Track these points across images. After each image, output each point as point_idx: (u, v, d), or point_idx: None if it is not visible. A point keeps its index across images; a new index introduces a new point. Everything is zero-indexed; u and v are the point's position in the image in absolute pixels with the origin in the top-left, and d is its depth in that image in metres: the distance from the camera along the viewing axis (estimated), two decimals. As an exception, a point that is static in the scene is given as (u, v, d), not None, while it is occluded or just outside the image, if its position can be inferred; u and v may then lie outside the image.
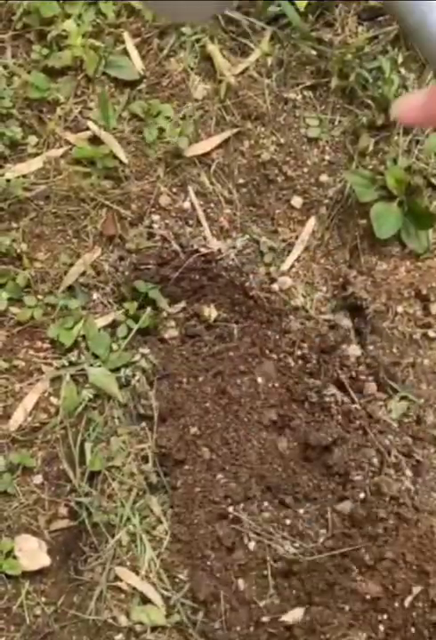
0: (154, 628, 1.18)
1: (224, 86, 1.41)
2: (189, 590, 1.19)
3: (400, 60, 1.39)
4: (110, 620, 1.18)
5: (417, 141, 1.38)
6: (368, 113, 1.39)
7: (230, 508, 1.22)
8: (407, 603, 1.16)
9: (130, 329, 1.31)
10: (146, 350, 1.31)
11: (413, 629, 1.14)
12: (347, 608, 1.16)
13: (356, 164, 1.39)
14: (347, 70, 1.40)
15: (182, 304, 1.34)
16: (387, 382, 1.29)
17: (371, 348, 1.32)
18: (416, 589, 1.16)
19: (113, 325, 1.32)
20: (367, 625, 1.15)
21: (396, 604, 1.16)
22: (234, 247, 1.38)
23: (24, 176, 1.37)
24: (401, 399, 1.29)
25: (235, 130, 1.40)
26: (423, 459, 1.25)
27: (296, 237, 1.39)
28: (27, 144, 1.40)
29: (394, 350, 1.32)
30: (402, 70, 1.38)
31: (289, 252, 1.39)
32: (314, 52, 1.42)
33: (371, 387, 1.30)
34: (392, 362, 1.31)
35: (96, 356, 1.29)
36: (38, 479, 1.26)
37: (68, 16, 1.43)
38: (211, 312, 1.33)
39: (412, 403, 1.28)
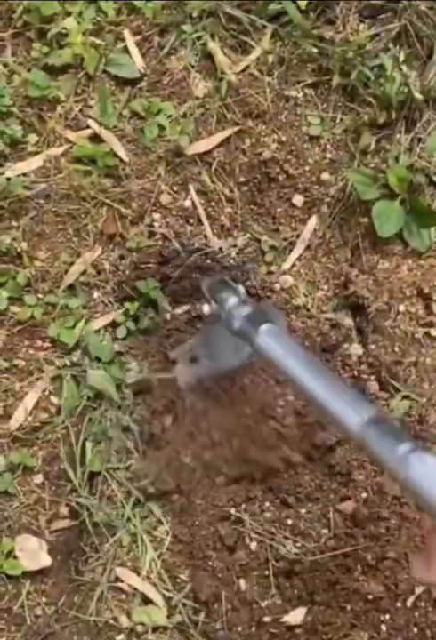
0: (155, 629, 1.18)
1: (225, 84, 1.40)
2: (190, 591, 1.19)
3: (402, 57, 1.38)
4: (111, 621, 1.18)
5: (419, 139, 1.37)
6: (370, 111, 1.39)
7: (232, 509, 1.22)
8: (409, 602, 1.16)
9: (130, 330, 1.31)
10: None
11: (415, 629, 1.14)
12: (349, 608, 1.16)
13: (358, 163, 1.38)
14: (348, 68, 1.40)
15: (185, 307, 1.34)
16: (389, 381, 1.29)
17: (373, 346, 1.31)
18: (419, 589, 1.16)
19: (113, 325, 1.32)
20: (370, 625, 1.15)
21: (398, 604, 1.15)
22: (235, 246, 1.38)
23: (24, 174, 1.37)
24: (403, 398, 1.28)
25: (236, 128, 1.40)
26: (426, 458, 1.25)
27: (298, 236, 1.38)
28: (27, 142, 1.39)
29: (396, 349, 1.31)
30: (404, 68, 1.37)
31: (290, 250, 1.38)
32: (315, 50, 1.41)
33: (373, 386, 1.29)
34: (394, 361, 1.30)
35: (96, 357, 1.29)
36: (39, 479, 1.25)
37: (68, 14, 1.43)
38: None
39: (414, 402, 1.28)
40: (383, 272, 1.34)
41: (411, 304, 1.33)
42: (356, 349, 1.32)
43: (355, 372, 1.29)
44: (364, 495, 1.21)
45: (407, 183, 1.32)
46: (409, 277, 1.34)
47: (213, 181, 1.39)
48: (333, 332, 1.33)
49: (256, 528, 1.21)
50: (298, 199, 1.39)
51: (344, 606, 1.16)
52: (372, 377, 1.30)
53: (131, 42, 1.44)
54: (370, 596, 1.15)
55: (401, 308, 1.32)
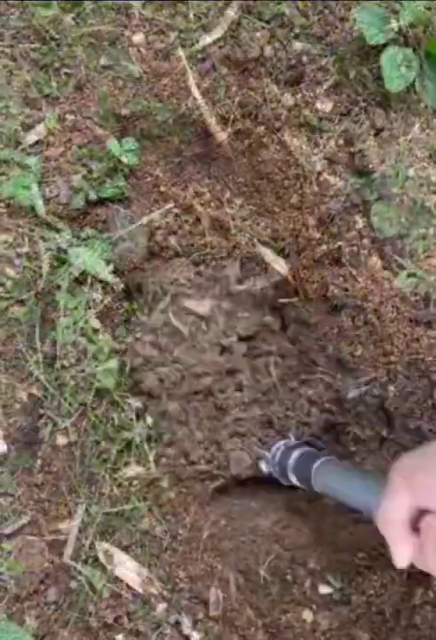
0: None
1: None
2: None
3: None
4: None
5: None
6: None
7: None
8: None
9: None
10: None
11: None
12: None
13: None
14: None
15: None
16: (392, 257, 1.14)
17: (376, 219, 1.18)
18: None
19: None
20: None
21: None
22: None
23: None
24: (409, 276, 1.13)
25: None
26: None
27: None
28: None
29: (402, 220, 1.16)
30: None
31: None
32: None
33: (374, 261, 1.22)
34: (399, 234, 1.16)
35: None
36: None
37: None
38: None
39: (421, 279, 1.12)
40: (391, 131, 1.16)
41: (422, 168, 1.17)
42: (357, 223, 1.19)
43: (355, 248, 1.17)
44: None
45: (424, 24, 1.11)
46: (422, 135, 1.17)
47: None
48: None
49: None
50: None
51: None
52: (373, 253, 1.17)
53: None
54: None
55: (410, 172, 1.18)
